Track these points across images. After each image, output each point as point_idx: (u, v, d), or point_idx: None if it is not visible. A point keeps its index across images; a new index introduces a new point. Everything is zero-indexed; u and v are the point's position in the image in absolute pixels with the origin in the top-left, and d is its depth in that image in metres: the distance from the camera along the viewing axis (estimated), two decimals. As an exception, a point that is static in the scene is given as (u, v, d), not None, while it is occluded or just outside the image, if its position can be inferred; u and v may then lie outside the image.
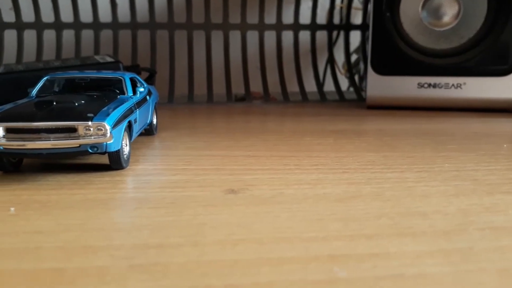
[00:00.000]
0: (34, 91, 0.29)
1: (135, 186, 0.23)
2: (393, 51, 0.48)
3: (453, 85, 0.47)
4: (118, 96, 0.28)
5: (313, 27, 0.63)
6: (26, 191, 0.22)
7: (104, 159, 0.27)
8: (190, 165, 0.27)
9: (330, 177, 0.24)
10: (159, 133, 0.36)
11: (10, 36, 0.60)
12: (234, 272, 0.14)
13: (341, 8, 0.69)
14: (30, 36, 0.60)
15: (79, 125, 0.22)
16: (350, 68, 0.64)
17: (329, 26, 0.63)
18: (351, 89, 0.67)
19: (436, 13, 0.47)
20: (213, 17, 0.62)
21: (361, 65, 0.68)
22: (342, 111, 0.50)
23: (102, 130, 0.23)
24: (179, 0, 0.62)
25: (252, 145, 0.32)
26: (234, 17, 0.63)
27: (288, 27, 0.63)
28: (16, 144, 0.22)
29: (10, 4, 0.60)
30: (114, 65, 0.47)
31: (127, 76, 0.30)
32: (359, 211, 0.19)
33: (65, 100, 0.25)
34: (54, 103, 0.24)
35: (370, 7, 0.59)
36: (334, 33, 0.64)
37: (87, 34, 0.61)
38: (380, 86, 0.49)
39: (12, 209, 0.20)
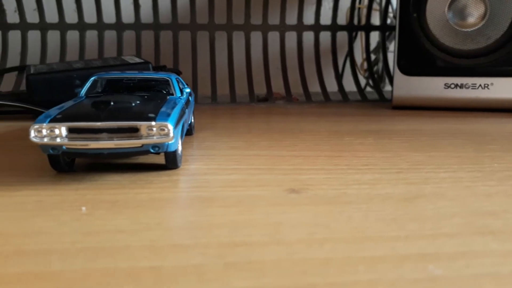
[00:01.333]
0: (83, 91, 0.29)
1: (196, 185, 0.23)
2: (419, 52, 0.49)
3: (480, 85, 0.47)
4: (168, 97, 0.29)
5: (334, 27, 0.64)
6: (89, 191, 0.22)
7: (153, 159, 0.28)
8: (240, 165, 0.27)
9: (386, 177, 0.24)
10: (195, 133, 0.37)
11: (34, 36, 0.61)
12: (331, 271, 0.14)
13: (359, 9, 0.69)
14: (53, 36, 0.61)
15: (142, 125, 0.23)
16: (371, 69, 0.64)
17: (350, 27, 0.64)
18: (367, 89, 0.68)
19: (462, 14, 0.47)
20: (234, 18, 0.63)
21: (379, 66, 0.69)
22: (369, 111, 0.50)
23: (164, 130, 0.23)
24: (201, 1, 0.62)
25: (293, 145, 0.32)
26: (256, 19, 0.63)
27: (309, 27, 0.63)
28: (79, 144, 0.23)
29: (34, 5, 0.60)
30: (143, 66, 0.47)
31: (173, 77, 0.31)
32: (429, 210, 0.19)
33: (122, 100, 0.25)
34: (112, 103, 0.25)
35: (392, 8, 0.60)
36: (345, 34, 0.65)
37: (110, 35, 0.61)
38: (406, 86, 0.50)
39: (84, 208, 0.20)
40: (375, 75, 0.67)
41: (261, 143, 0.33)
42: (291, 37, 0.64)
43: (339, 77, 0.63)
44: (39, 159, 0.28)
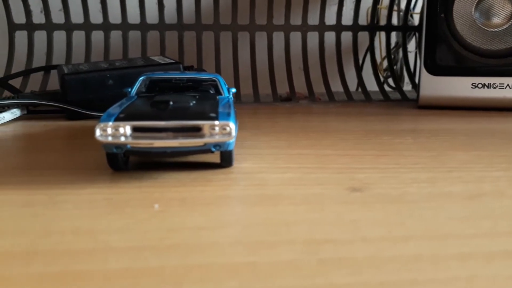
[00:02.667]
0: (134, 91, 0.30)
1: (255, 184, 0.24)
2: (446, 51, 0.49)
3: (508, 85, 0.48)
4: (218, 97, 0.29)
5: (355, 28, 0.64)
6: (153, 189, 0.23)
7: (202, 157, 0.28)
8: (290, 164, 0.27)
9: (441, 176, 0.25)
10: (233, 133, 0.37)
11: (59, 37, 0.61)
12: (425, 267, 0.15)
13: (379, 9, 0.69)
14: (78, 37, 0.61)
15: (205, 124, 0.23)
16: (392, 69, 0.64)
17: (371, 27, 0.64)
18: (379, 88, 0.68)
19: (489, 14, 0.48)
20: (257, 18, 0.63)
21: (397, 66, 0.69)
22: (394, 110, 0.50)
23: (226, 129, 0.23)
24: (224, 2, 0.63)
25: (334, 144, 0.33)
26: (278, 19, 0.63)
27: (330, 28, 0.64)
28: (145, 143, 0.23)
29: (60, 6, 0.60)
30: (174, 66, 0.48)
31: (220, 77, 0.31)
32: (497, 209, 0.20)
33: (180, 100, 0.26)
34: (171, 103, 0.25)
35: (409, 8, 0.61)
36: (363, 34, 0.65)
37: (134, 35, 0.62)
38: (433, 86, 0.50)
39: (156, 205, 0.20)
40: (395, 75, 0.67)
41: (301, 142, 0.34)
42: (311, 37, 0.64)
43: (360, 77, 0.63)
44: (90, 157, 0.29)
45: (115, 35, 0.61)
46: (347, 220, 0.19)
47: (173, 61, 0.48)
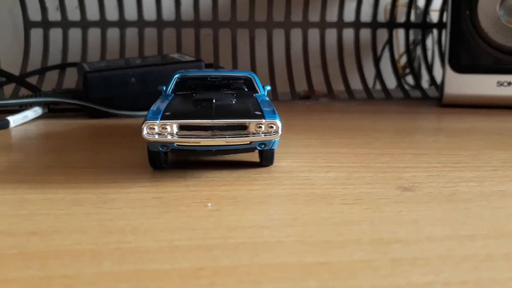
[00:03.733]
0: (170, 89, 0.29)
1: (302, 183, 0.23)
2: (471, 49, 0.49)
3: (532, 83, 0.47)
4: (254, 95, 0.29)
5: (374, 25, 0.64)
6: (200, 187, 0.22)
7: (238, 156, 0.28)
8: (330, 163, 0.27)
9: (486, 175, 0.24)
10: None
11: (75, 34, 0.61)
12: (502, 266, 0.14)
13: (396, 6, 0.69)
14: (94, 34, 0.61)
15: (251, 122, 0.23)
16: (412, 66, 0.64)
17: (390, 24, 0.64)
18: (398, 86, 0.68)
19: (513, 12, 0.47)
20: (274, 15, 0.63)
21: (415, 63, 0.69)
22: (419, 109, 0.50)
23: (273, 127, 0.23)
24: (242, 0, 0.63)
25: (368, 142, 0.33)
26: (296, 16, 0.63)
27: (349, 25, 0.63)
28: (191, 141, 0.23)
29: (76, 3, 0.60)
30: (196, 64, 0.47)
31: (254, 75, 0.31)
32: (556, 207, 0.20)
33: (221, 98, 0.25)
34: (214, 101, 0.25)
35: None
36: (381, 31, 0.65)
37: (150, 32, 0.61)
38: (458, 84, 0.50)
39: (209, 204, 0.20)
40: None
41: (334, 140, 0.33)
42: (329, 34, 0.64)
43: (380, 74, 0.63)
44: (124, 155, 0.29)
45: (131, 32, 0.61)
46: (407, 220, 0.18)
47: (194, 59, 0.48)
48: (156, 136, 0.23)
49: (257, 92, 0.30)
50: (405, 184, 0.23)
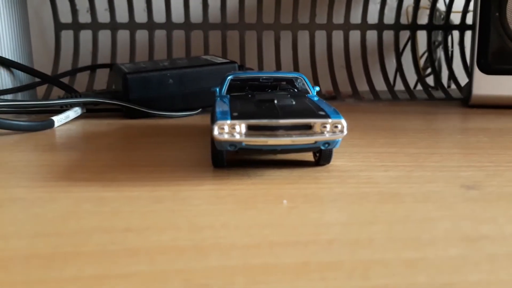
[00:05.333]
0: (224, 90, 0.30)
1: (365, 182, 0.24)
2: (500, 50, 0.49)
3: (562, 84, 0.48)
4: (307, 95, 0.29)
5: (397, 27, 0.64)
6: (268, 185, 0.23)
7: (289, 155, 0.28)
8: (385, 162, 0.28)
9: (544, 173, 0.25)
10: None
11: (104, 36, 0.61)
12: None
13: (413, 8, 0.70)
14: (123, 36, 0.61)
15: (316, 122, 0.23)
16: (434, 67, 0.64)
17: (413, 26, 0.64)
18: (418, 87, 0.68)
19: (541, 14, 0.48)
20: (299, 17, 0.63)
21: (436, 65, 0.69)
22: (445, 109, 0.51)
23: (338, 127, 0.24)
24: (268, 1, 0.63)
25: (413, 142, 0.33)
26: (320, 18, 0.64)
27: (373, 26, 0.64)
28: (260, 141, 0.23)
29: (106, 5, 0.61)
30: (230, 66, 0.48)
31: (304, 76, 0.31)
32: None
33: (281, 99, 0.26)
34: (275, 102, 0.25)
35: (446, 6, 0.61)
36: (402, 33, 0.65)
37: (178, 34, 0.62)
38: (485, 85, 0.50)
39: (285, 201, 0.21)
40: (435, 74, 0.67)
41: (379, 140, 0.34)
42: (353, 36, 0.65)
43: (403, 75, 0.63)
44: (182, 154, 0.29)
45: (159, 34, 0.62)
46: (485, 217, 0.19)
47: (228, 60, 0.49)
48: (226, 136, 0.23)
49: (308, 93, 0.31)
50: (466, 183, 0.24)
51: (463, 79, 0.64)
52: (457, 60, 0.66)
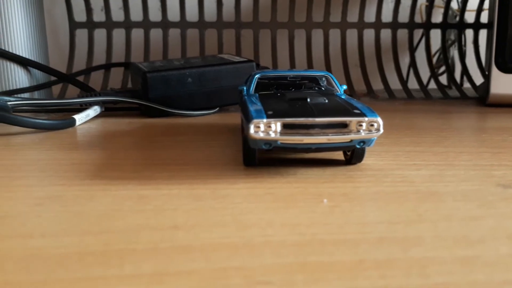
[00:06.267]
0: (253, 89, 0.30)
1: (400, 180, 0.24)
2: (518, 49, 0.49)
3: None
4: (336, 93, 0.29)
5: (411, 25, 0.64)
6: (303, 184, 0.23)
7: (318, 154, 0.28)
8: (415, 161, 0.28)
9: None
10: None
11: (118, 34, 0.61)
12: None
13: (426, 6, 0.70)
14: (138, 34, 0.61)
15: (352, 120, 0.23)
16: (448, 66, 0.64)
17: (427, 25, 0.64)
18: (430, 86, 0.68)
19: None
20: (314, 16, 0.63)
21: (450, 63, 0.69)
22: (462, 108, 0.51)
23: (374, 125, 0.24)
24: (282, 0, 0.63)
25: (438, 141, 0.33)
26: (335, 16, 0.64)
27: (387, 25, 0.64)
28: (296, 139, 0.23)
29: (121, 4, 0.61)
30: (248, 64, 0.48)
31: (331, 74, 0.31)
32: None
33: (314, 97, 0.26)
34: (308, 100, 0.25)
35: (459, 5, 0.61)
36: (414, 33, 0.65)
37: (192, 33, 0.62)
38: (503, 84, 0.50)
39: (325, 200, 0.21)
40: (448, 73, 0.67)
41: (403, 139, 0.34)
42: (366, 34, 0.65)
43: (418, 74, 0.63)
44: (209, 153, 0.29)
45: (173, 33, 0.62)
46: (529, 215, 0.19)
47: (246, 59, 0.49)
48: (261, 134, 0.23)
49: (335, 91, 0.31)
50: (501, 181, 0.24)
51: (475, 78, 0.64)
52: (469, 59, 0.66)
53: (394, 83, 0.64)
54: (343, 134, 0.24)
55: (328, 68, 0.64)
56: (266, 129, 0.23)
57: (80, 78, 0.56)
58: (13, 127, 0.38)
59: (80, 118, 0.41)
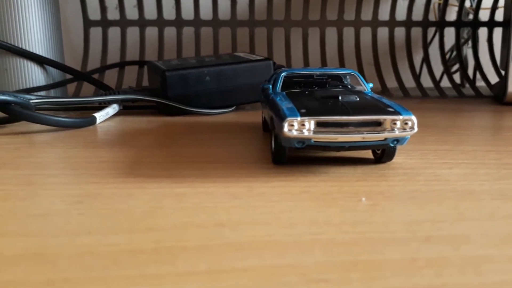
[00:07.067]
0: (278, 87, 0.30)
1: (434, 179, 0.24)
2: (536, 48, 0.49)
3: None
4: (364, 91, 0.29)
5: (425, 23, 0.64)
6: (337, 182, 0.23)
7: (345, 152, 0.28)
8: (445, 159, 0.28)
9: None
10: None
11: (132, 32, 0.61)
12: None
13: (439, 4, 0.69)
14: (152, 33, 0.61)
15: (387, 119, 0.23)
16: (462, 65, 0.64)
17: (441, 23, 0.64)
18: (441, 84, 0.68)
19: None
20: (328, 14, 0.63)
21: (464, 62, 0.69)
22: (479, 106, 0.50)
23: (408, 124, 0.24)
24: (296, -3, 0.63)
25: (464, 140, 0.33)
26: (348, 14, 0.63)
27: (400, 23, 0.64)
28: (330, 137, 0.23)
29: (135, 2, 0.61)
30: (265, 62, 0.48)
31: (357, 72, 0.31)
32: None
33: (346, 95, 0.26)
34: (340, 98, 0.25)
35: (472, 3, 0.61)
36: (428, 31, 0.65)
37: (205, 31, 0.62)
38: (521, 82, 0.50)
39: (363, 199, 0.21)
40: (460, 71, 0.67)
41: (428, 138, 0.34)
42: (380, 32, 0.65)
43: (432, 72, 0.63)
44: (236, 151, 0.29)
45: (187, 31, 0.62)
46: None
47: (263, 57, 0.49)
48: (295, 133, 0.23)
49: (364, 89, 0.31)
50: (536, 180, 0.24)
51: (489, 77, 0.64)
52: (482, 58, 0.66)
53: (407, 81, 0.64)
54: (378, 133, 0.23)
55: (342, 66, 0.64)
56: (300, 127, 0.23)
57: (94, 77, 0.56)
58: (34, 125, 0.38)
59: (100, 116, 0.41)
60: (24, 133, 0.36)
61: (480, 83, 0.66)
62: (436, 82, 0.62)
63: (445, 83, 0.66)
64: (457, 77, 0.70)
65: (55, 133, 0.36)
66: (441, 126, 0.39)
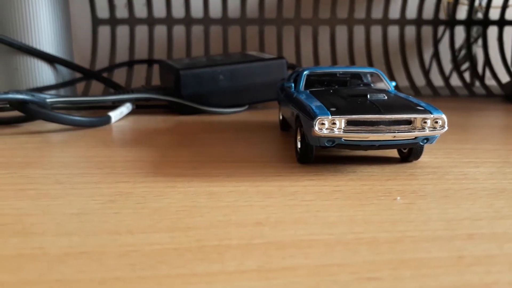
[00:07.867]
0: (302, 85, 0.30)
1: (463, 178, 0.24)
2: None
3: None
4: (389, 90, 0.29)
5: (436, 22, 0.64)
6: (368, 182, 0.23)
7: (371, 151, 0.28)
8: (469, 158, 0.28)
9: None
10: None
11: (141, 30, 0.61)
12: None
13: (449, 3, 0.69)
14: (160, 31, 0.61)
15: (417, 117, 0.23)
16: (473, 64, 0.64)
17: (451, 22, 0.64)
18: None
19: None
20: (338, 13, 0.63)
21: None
22: (494, 105, 0.50)
23: (439, 122, 0.23)
24: (306, -4, 0.63)
25: (484, 139, 0.33)
26: (359, 13, 0.63)
27: (411, 22, 0.64)
28: (361, 136, 0.23)
29: (144, 0, 0.60)
30: (278, 61, 0.48)
31: (380, 71, 0.31)
32: None
33: (374, 94, 0.26)
34: (368, 96, 0.25)
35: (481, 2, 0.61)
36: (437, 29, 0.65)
37: (214, 30, 0.62)
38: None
39: (398, 198, 0.21)
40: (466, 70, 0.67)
41: (448, 136, 0.34)
42: (390, 31, 0.64)
43: (442, 71, 0.63)
44: (259, 150, 0.29)
45: (196, 30, 0.62)
46: None
47: (275, 56, 0.48)
48: (325, 131, 0.23)
49: (387, 87, 0.30)
50: None
51: (498, 75, 0.64)
52: (492, 57, 0.66)
53: (417, 80, 0.64)
54: (409, 131, 0.23)
55: (352, 64, 0.63)
56: (330, 126, 0.23)
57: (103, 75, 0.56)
58: (47, 124, 0.38)
59: (115, 115, 0.40)
60: (40, 132, 0.36)
61: (489, 82, 0.66)
62: (447, 81, 0.62)
63: (454, 81, 0.66)
64: (465, 76, 0.70)
65: (71, 132, 0.36)
66: (458, 125, 0.38)
